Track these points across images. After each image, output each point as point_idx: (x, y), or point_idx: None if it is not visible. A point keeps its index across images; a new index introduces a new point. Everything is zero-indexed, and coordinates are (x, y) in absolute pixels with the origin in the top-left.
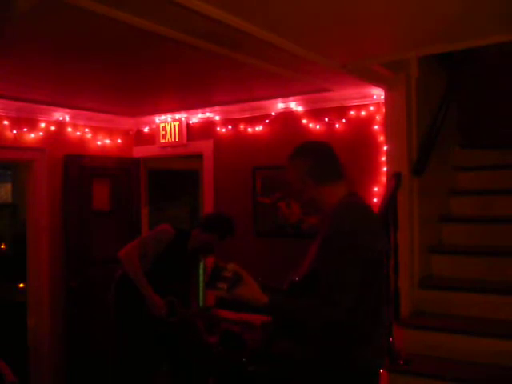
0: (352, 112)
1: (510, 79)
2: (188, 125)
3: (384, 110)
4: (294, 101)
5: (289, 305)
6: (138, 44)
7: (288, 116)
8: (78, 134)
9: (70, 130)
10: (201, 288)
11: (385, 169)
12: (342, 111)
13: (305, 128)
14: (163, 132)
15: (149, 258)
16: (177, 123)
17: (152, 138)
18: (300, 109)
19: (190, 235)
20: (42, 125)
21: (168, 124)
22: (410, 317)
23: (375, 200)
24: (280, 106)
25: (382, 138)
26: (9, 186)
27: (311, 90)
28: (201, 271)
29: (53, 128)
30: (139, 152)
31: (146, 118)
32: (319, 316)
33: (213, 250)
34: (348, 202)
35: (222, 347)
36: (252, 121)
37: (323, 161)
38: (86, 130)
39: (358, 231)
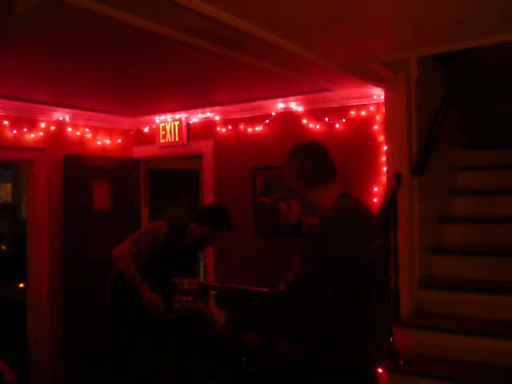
0: (352, 112)
1: (510, 79)
2: (188, 125)
3: (384, 110)
4: (294, 101)
5: (251, 322)
6: (137, 44)
7: (288, 116)
8: (78, 134)
9: (70, 130)
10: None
11: (385, 169)
12: (342, 111)
13: (305, 128)
14: (163, 132)
15: (143, 254)
16: (177, 123)
17: (152, 137)
18: (300, 109)
19: (186, 230)
20: (42, 125)
21: (168, 124)
22: (410, 317)
23: (375, 200)
24: (280, 105)
25: (382, 138)
26: (9, 186)
27: (311, 90)
28: (202, 267)
29: (53, 128)
30: (139, 152)
31: (146, 118)
32: (283, 319)
33: (209, 243)
34: (337, 203)
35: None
36: (252, 121)
37: (315, 164)
38: (86, 130)
39: (340, 231)
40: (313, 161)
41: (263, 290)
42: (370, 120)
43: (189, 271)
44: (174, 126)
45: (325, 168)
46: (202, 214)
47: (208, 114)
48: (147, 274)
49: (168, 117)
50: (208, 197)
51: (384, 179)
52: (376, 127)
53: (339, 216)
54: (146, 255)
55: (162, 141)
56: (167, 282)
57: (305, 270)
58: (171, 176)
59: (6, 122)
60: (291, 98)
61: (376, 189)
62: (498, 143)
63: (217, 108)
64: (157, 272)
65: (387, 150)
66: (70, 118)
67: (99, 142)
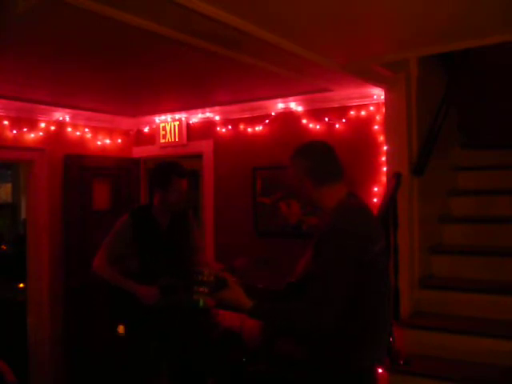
0: (352, 112)
1: (510, 79)
2: (188, 125)
3: (384, 110)
4: (293, 101)
5: (273, 309)
6: (137, 44)
7: (288, 116)
8: (78, 134)
9: (69, 130)
10: None
11: (385, 169)
12: (342, 111)
13: (305, 128)
14: (163, 132)
15: (124, 254)
16: (177, 123)
17: (152, 138)
18: (300, 109)
19: (151, 205)
20: (42, 125)
21: (168, 124)
22: (410, 317)
23: (375, 200)
24: (280, 106)
25: (381, 138)
26: (9, 186)
27: (311, 90)
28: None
29: (53, 128)
30: (139, 152)
31: (146, 118)
32: (305, 318)
33: (173, 204)
34: (346, 203)
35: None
36: (252, 121)
37: (322, 162)
38: (86, 130)
39: (352, 232)
40: (321, 159)
41: (273, 288)
42: (370, 120)
43: (186, 247)
44: (174, 126)
45: (332, 167)
46: (150, 184)
47: (208, 114)
48: (148, 269)
49: (168, 117)
50: (208, 197)
51: (384, 179)
52: (376, 127)
53: (351, 216)
54: (129, 253)
55: (162, 141)
56: (170, 268)
57: (321, 272)
58: None
59: (5, 122)
60: (291, 98)
61: (376, 189)
62: (498, 143)
63: (217, 108)
64: (152, 262)
65: (387, 150)
66: (69, 118)
67: (99, 142)
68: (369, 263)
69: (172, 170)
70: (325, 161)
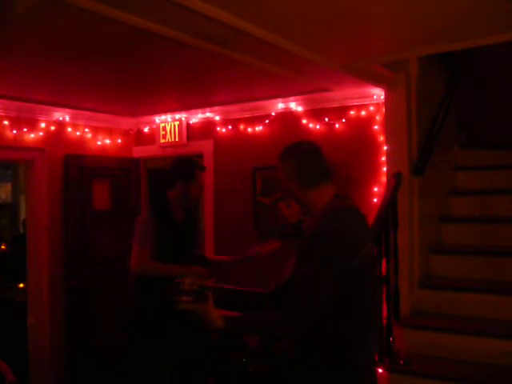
0: (352, 112)
1: (510, 79)
2: (188, 125)
3: (384, 110)
4: (294, 101)
5: (247, 322)
6: (137, 44)
7: (288, 116)
8: (78, 134)
9: (70, 129)
10: None
11: (385, 169)
12: (342, 111)
13: (305, 128)
14: (163, 132)
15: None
16: (177, 123)
17: (152, 137)
18: (300, 109)
19: (167, 203)
20: (42, 125)
21: (168, 124)
22: (410, 317)
23: (375, 200)
24: (280, 106)
25: (381, 138)
26: (9, 185)
27: (311, 90)
28: None
29: (53, 128)
30: (139, 152)
31: (146, 118)
32: (283, 324)
33: (191, 197)
34: (333, 204)
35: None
36: (252, 121)
37: (308, 164)
38: (86, 130)
39: (338, 234)
40: (304, 162)
41: (257, 290)
42: (369, 120)
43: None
44: (174, 126)
45: (316, 169)
46: (169, 178)
47: (208, 114)
48: (166, 260)
49: (168, 117)
50: (208, 197)
51: (384, 179)
52: (376, 127)
53: (338, 217)
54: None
55: (162, 141)
56: (186, 259)
57: (303, 274)
58: None
59: (6, 122)
60: (291, 98)
61: (376, 189)
62: (498, 143)
63: (217, 108)
64: (172, 256)
65: (387, 150)
66: (69, 118)
67: (99, 142)
68: (357, 264)
69: (194, 164)
70: (308, 163)
